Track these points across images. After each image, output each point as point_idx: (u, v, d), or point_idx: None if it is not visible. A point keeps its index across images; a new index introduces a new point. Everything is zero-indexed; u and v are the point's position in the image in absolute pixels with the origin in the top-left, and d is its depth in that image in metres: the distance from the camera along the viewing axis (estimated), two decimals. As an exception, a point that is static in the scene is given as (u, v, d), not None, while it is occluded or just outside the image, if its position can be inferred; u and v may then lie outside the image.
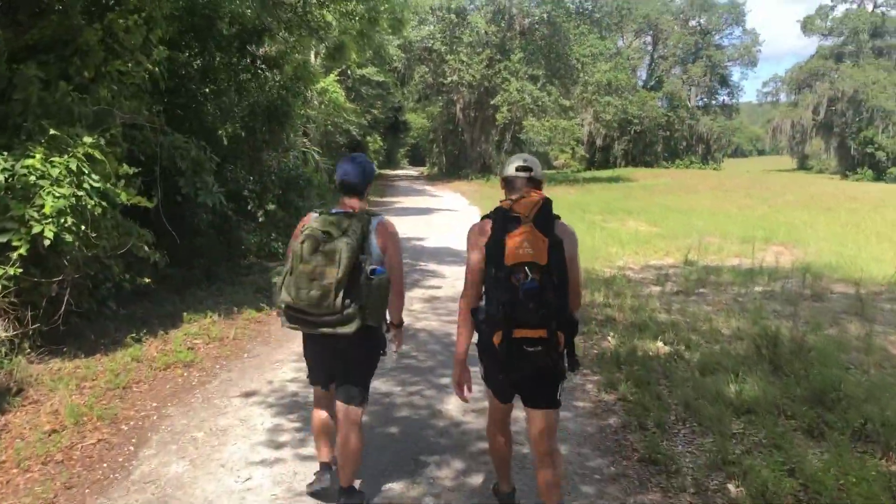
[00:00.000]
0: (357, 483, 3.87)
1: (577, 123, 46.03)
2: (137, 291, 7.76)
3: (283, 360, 6.51)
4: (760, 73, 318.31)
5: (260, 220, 11.34)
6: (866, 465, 4.15)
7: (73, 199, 5.65)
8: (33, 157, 5.62)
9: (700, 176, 45.22)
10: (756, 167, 73.26)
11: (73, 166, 5.74)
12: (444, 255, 12.98)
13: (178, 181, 7.79)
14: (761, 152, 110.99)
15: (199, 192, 7.92)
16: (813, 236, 16.57)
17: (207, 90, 10.25)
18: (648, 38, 65.75)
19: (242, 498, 3.91)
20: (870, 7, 64.22)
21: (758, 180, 41.49)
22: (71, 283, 6.19)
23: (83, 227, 5.78)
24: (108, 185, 6.10)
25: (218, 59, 10.27)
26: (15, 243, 5.48)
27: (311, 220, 3.49)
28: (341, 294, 3.30)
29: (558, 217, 3.29)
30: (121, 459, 4.37)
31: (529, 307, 3.02)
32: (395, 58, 34.03)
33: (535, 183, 3.41)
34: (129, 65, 7.03)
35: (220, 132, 10.06)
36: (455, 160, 48.00)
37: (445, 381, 5.87)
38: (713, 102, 65.77)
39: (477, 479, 4.15)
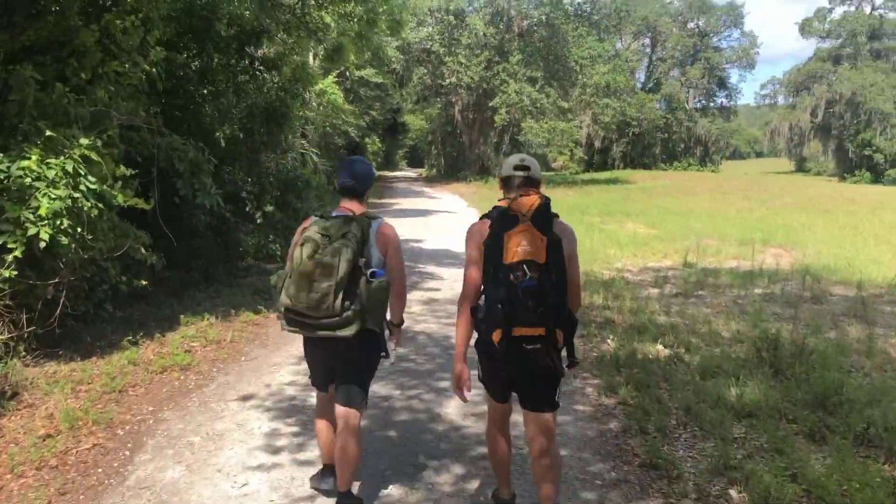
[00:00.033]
0: (356, 487, 3.84)
1: (575, 125, 46.05)
2: (134, 294, 7.71)
3: (281, 364, 6.47)
4: (758, 76, 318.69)
5: (258, 221, 11.28)
6: (869, 470, 4.11)
7: (69, 201, 5.61)
8: (29, 158, 5.58)
9: (698, 178, 45.22)
10: (754, 169, 73.35)
11: (70, 168, 5.70)
12: (442, 257, 12.95)
13: (176, 183, 7.74)
14: (759, 154, 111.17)
15: (197, 194, 7.87)
16: (811, 238, 16.56)
17: (205, 91, 10.21)
18: (647, 41, 65.78)
19: (239, 504, 3.87)
20: (868, 9, 64.35)
21: (756, 182, 41.49)
22: (67, 285, 6.14)
23: (79, 229, 5.75)
24: (105, 186, 6.06)
25: (216, 60, 10.23)
26: (10, 245, 5.43)
27: (311, 224, 3.48)
28: (340, 297, 3.29)
29: (556, 216, 3.29)
30: (116, 465, 4.32)
31: (528, 305, 3.04)
32: (393, 59, 33.98)
33: (534, 182, 3.42)
34: (127, 66, 6.99)
35: (217, 134, 10.01)
36: (453, 162, 47.97)
37: (444, 384, 5.83)
38: (711, 104, 65.83)
39: (476, 485, 4.11)
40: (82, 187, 5.77)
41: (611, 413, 5.25)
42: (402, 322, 3.77)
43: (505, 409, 3.56)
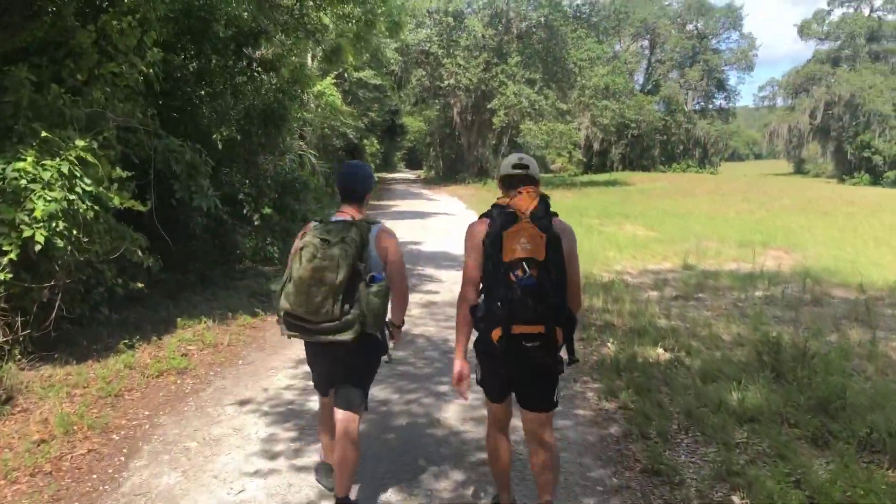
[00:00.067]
0: (354, 491, 3.82)
1: (574, 127, 46.02)
2: (130, 296, 7.65)
3: (279, 367, 6.41)
4: (757, 78, 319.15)
5: (256, 223, 11.24)
6: (873, 476, 4.05)
7: (64, 203, 5.56)
8: (24, 160, 5.53)
9: (697, 180, 45.23)
10: (753, 171, 73.37)
11: (65, 170, 5.65)
12: (440, 260, 12.90)
13: (173, 185, 7.69)
14: (758, 156, 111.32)
15: (194, 196, 7.82)
16: (811, 240, 16.54)
17: (203, 93, 10.15)
18: (646, 42, 65.83)
19: (236, 510, 3.82)
20: (867, 11, 64.41)
21: (755, 184, 41.48)
22: (62, 288, 6.09)
23: (75, 232, 5.70)
24: (101, 188, 6.01)
25: (214, 61, 10.17)
26: (5, 248, 5.38)
27: (311, 229, 3.47)
28: (339, 301, 3.29)
29: (556, 214, 3.29)
30: (111, 471, 4.26)
31: (528, 303, 3.04)
32: (392, 61, 33.96)
33: (532, 180, 3.42)
34: (123, 67, 6.93)
35: (215, 135, 9.96)
36: (452, 164, 47.95)
37: (444, 388, 5.78)
38: (710, 106, 65.90)
39: (476, 491, 4.05)
40: (78, 189, 5.72)
41: (611, 418, 5.20)
42: (402, 323, 3.77)
43: (504, 409, 3.53)
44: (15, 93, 5.93)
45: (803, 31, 67.02)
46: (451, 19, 39.09)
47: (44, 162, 5.60)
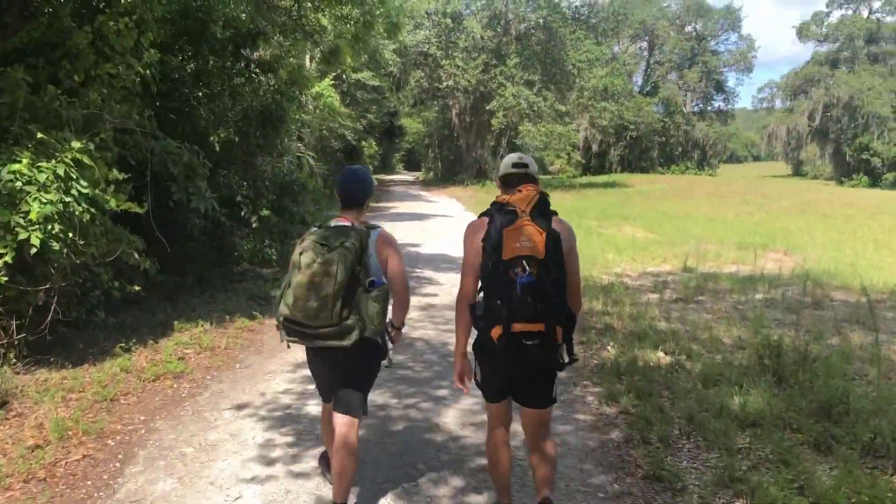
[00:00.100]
0: (353, 497, 3.79)
1: (572, 129, 46.07)
2: (127, 299, 7.60)
3: (276, 371, 6.36)
4: (756, 79, 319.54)
5: (254, 225, 11.19)
6: (878, 482, 4.01)
7: (60, 206, 5.51)
8: (20, 161, 5.47)
9: (696, 182, 45.23)
10: (751, 173, 73.40)
11: (61, 172, 5.59)
12: (439, 262, 12.85)
13: (170, 186, 7.65)
14: (756, 158, 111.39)
15: (192, 198, 7.77)
16: (810, 243, 16.51)
17: (200, 94, 10.11)
18: (644, 44, 65.89)
19: (232, 518, 3.77)
20: (865, 13, 64.49)
21: (753, 186, 41.48)
22: (58, 291, 6.04)
23: (71, 234, 5.64)
24: (97, 190, 5.95)
25: (211, 62, 10.13)
26: (0, 251, 5.32)
27: (310, 234, 3.46)
28: (338, 306, 3.27)
29: (555, 213, 3.28)
30: (106, 477, 4.21)
31: (527, 301, 3.03)
32: (390, 62, 33.98)
33: (532, 179, 3.42)
34: (120, 68, 6.87)
35: (212, 137, 9.90)
36: (451, 165, 47.95)
37: (443, 392, 5.73)
38: (709, 108, 65.99)
39: (476, 498, 4.00)
40: (74, 191, 5.66)
41: (612, 422, 5.14)
42: (402, 325, 3.77)
43: (504, 411, 3.50)
44: (11, 94, 5.88)
45: (802, 32, 67.11)
46: (449, 20, 39.09)
47: (39, 164, 5.54)
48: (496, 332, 3.10)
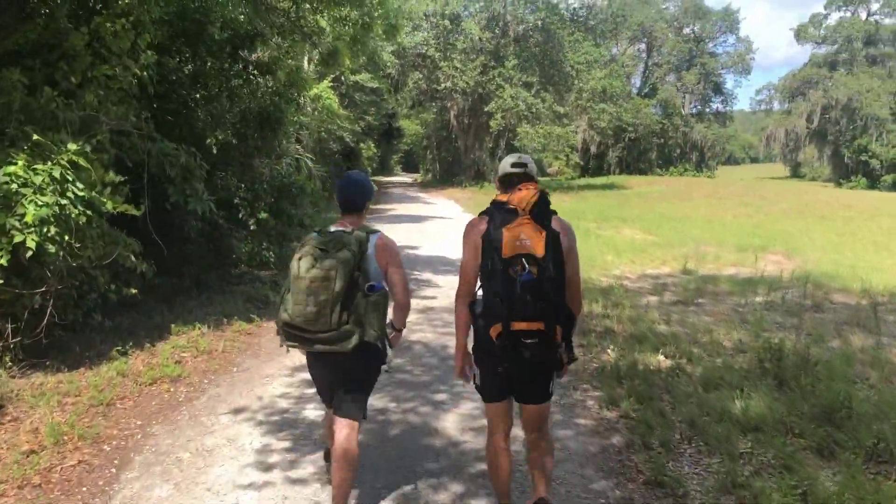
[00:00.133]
0: (352, 502, 3.77)
1: (571, 130, 46.01)
2: (124, 302, 7.56)
3: (274, 375, 6.31)
4: (754, 81, 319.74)
5: (251, 228, 11.13)
6: (881, 487, 3.98)
7: (56, 208, 5.45)
8: (15, 164, 5.42)
9: (694, 183, 45.21)
10: (749, 175, 73.40)
11: (57, 174, 5.54)
12: (438, 264, 12.81)
13: (168, 189, 7.59)
14: (754, 160, 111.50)
15: (189, 200, 7.71)
16: (810, 245, 16.50)
17: (198, 96, 10.05)
18: (643, 46, 65.87)
19: (229, 524, 3.72)
20: (863, 15, 64.51)
21: (751, 188, 41.47)
22: (54, 294, 5.99)
23: (67, 237, 5.59)
24: (94, 193, 5.90)
25: (209, 64, 10.07)
26: (-5, 254, 5.27)
27: (309, 239, 3.46)
28: (337, 310, 3.28)
29: (555, 212, 3.28)
30: (101, 483, 4.16)
31: (527, 299, 3.03)
32: (388, 64, 33.90)
33: (531, 179, 3.41)
34: (117, 70, 6.82)
35: (210, 139, 9.85)
36: (449, 167, 47.89)
37: (442, 396, 5.69)
38: (707, 110, 65.93)
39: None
40: (70, 194, 5.61)
41: (613, 427, 5.10)
42: (403, 327, 3.77)
43: (504, 412, 3.48)
44: (7, 95, 5.83)
45: (800, 34, 67.13)
46: (447, 22, 39.04)
47: (35, 166, 5.49)
48: (495, 330, 3.09)
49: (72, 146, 5.77)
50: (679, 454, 4.62)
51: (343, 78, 26.31)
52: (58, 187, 5.54)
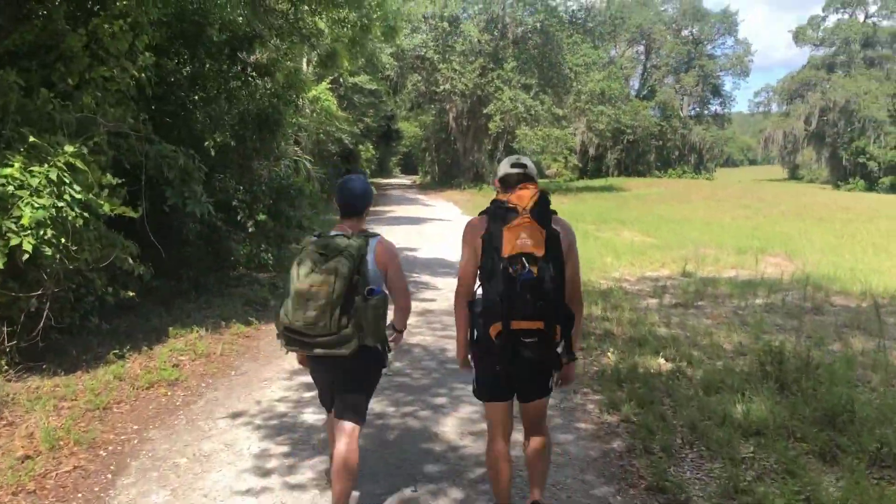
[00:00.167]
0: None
1: (569, 132, 45.99)
2: (121, 305, 7.50)
3: (272, 378, 6.27)
4: (752, 83, 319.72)
5: (250, 230, 11.08)
6: (885, 493, 3.94)
7: (52, 211, 5.41)
8: (11, 166, 5.38)
9: (693, 185, 45.27)
10: (747, 177, 73.49)
11: (54, 176, 5.49)
12: (436, 267, 12.77)
13: (165, 191, 7.55)
14: (752, 162, 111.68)
15: (187, 202, 7.67)
16: (809, 247, 16.47)
17: (196, 98, 10.01)
18: (641, 48, 65.95)
19: (226, 531, 3.68)
20: (861, 17, 64.60)
21: (750, 190, 41.52)
22: (51, 297, 5.95)
23: (63, 240, 5.54)
24: (91, 195, 5.85)
25: (208, 66, 10.04)
26: (-9, 256, 5.23)
27: (309, 243, 3.45)
28: (336, 314, 3.27)
29: (555, 212, 3.27)
30: (97, 489, 4.11)
31: (527, 298, 3.02)
32: (387, 66, 33.87)
33: (530, 179, 3.40)
34: (115, 71, 6.79)
35: (208, 142, 9.80)
36: (447, 169, 47.90)
37: (441, 400, 5.65)
38: (705, 112, 66.05)
39: (476, 510, 3.92)
40: (67, 196, 5.57)
41: (614, 431, 5.06)
42: (404, 328, 3.78)
43: (504, 413, 3.45)
44: (3, 97, 5.78)
45: (798, 36, 67.24)
46: (446, 24, 39.03)
47: (32, 168, 5.45)
48: (495, 329, 3.08)
49: (69, 148, 5.73)
50: (680, 459, 4.58)
51: (342, 80, 26.29)
52: (54, 189, 5.50)
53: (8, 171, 5.32)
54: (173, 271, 9.04)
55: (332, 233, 3.52)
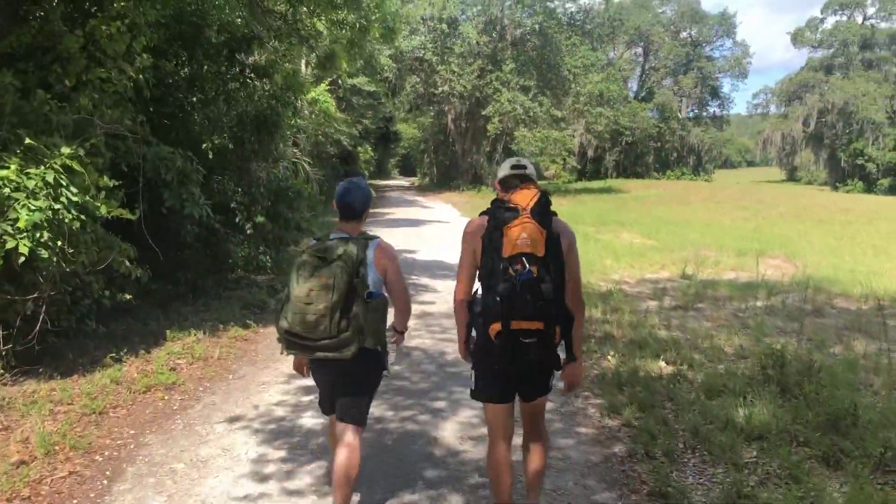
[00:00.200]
0: None
1: (568, 134, 46.00)
2: (118, 308, 7.45)
3: (270, 382, 6.22)
4: (750, 85, 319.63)
5: (248, 232, 11.03)
6: (889, 498, 3.90)
7: (49, 213, 5.37)
8: (8, 168, 5.34)
9: (691, 187, 45.27)
10: (746, 178, 73.54)
11: (50, 178, 5.45)
12: (435, 269, 12.73)
13: (163, 193, 7.51)
14: (750, 163, 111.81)
15: (185, 204, 7.63)
16: (808, 249, 16.45)
17: (195, 99, 9.97)
18: (640, 50, 66.03)
19: (224, 538, 3.63)
20: (859, 19, 64.66)
21: (748, 191, 41.52)
22: (47, 300, 5.90)
23: (60, 242, 5.50)
24: (88, 197, 5.81)
25: (206, 67, 9.99)
26: (-13, 259, 5.18)
27: (309, 247, 3.43)
28: (336, 318, 3.27)
29: (555, 214, 3.26)
30: (93, 495, 4.06)
31: (526, 299, 3.01)
32: (386, 68, 33.83)
33: (530, 181, 3.40)
34: (112, 73, 6.75)
35: (206, 144, 9.76)
36: (446, 171, 47.86)
37: (441, 404, 5.61)
38: (704, 114, 66.09)
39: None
40: (63, 198, 5.52)
41: (615, 436, 5.02)
42: (405, 329, 3.79)
43: (505, 417, 3.41)
44: (-1, 98, 5.75)
45: (796, 38, 67.30)
46: (445, 26, 39.00)
47: (28, 170, 5.41)
48: (494, 329, 3.07)
49: (65, 150, 5.68)
50: (683, 464, 4.54)
51: (340, 81, 26.25)
52: (51, 192, 5.45)
53: (4, 173, 5.28)
54: (171, 274, 8.99)
55: (332, 235, 3.50)
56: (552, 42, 39.71)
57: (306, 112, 20.46)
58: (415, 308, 9.14)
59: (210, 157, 9.62)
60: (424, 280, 11.57)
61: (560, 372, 3.40)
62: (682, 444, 4.82)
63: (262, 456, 4.61)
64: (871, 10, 64.19)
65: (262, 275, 11.10)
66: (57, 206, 5.44)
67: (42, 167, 5.49)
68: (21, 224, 5.20)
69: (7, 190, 5.27)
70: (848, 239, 19.05)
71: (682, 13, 64.44)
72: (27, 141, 5.54)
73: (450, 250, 13.98)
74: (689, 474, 4.39)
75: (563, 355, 3.35)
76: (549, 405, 3.60)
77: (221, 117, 10.31)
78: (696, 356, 6.86)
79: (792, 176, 73.41)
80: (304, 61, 18.08)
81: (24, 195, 5.31)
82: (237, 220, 10.62)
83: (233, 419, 5.30)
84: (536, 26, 39.49)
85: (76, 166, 5.72)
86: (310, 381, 3.87)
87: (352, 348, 3.30)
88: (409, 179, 66.54)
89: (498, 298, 3.04)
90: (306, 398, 5.63)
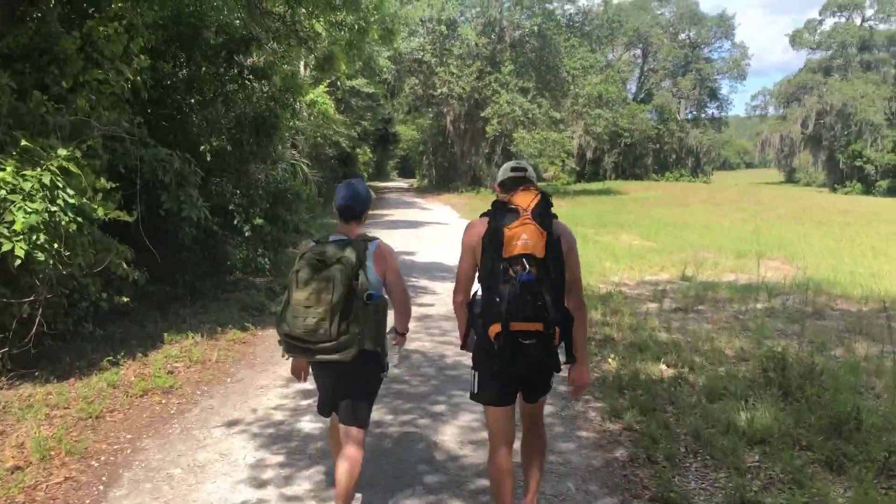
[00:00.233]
0: None
1: (567, 136, 46.02)
2: (116, 310, 7.40)
3: (268, 386, 6.17)
4: (749, 87, 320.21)
5: (246, 234, 10.98)
6: (894, 503, 3.86)
7: (45, 215, 5.32)
8: (4, 169, 5.29)
9: (690, 189, 45.25)
10: (744, 180, 73.59)
11: (47, 180, 5.40)
12: (434, 271, 12.69)
13: (161, 195, 7.46)
14: (749, 165, 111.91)
15: (183, 206, 7.59)
16: (808, 251, 16.42)
17: (193, 101, 9.93)
18: (638, 51, 66.06)
19: (221, 544, 3.58)
20: (858, 21, 64.75)
21: (747, 193, 41.51)
22: (44, 302, 5.86)
23: (56, 245, 5.45)
24: (85, 199, 5.76)
25: (204, 69, 9.96)
26: (-17, 262, 5.14)
27: (308, 250, 3.42)
28: (336, 320, 3.25)
29: (555, 216, 3.25)
30: (88, 501, 4.00)
31: (526, 300, 3.00)
32: (384, 69, 33.81)
33: (530, 183, 3.39)
34: (109, 74, 6.71)
35: (204, 146, 9.72)
36: (445, 172, 47.85)
37: (440, 408, 5.56)
38: (702, 115, 66.13)
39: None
40: (60, 201, 5.47)
41: (616, 440, 4.97)
42: (406, 331, 3.76)
43: (506, 419, 3.39)
44: (-5, 99, 5.70)
45: (795, 40, 67.42)
46: (444, 28, 38.99)
47: (24, 172, 5.36)
48: (494, 329, 3.05)
49: (62, 152, 5.64)
50: (685, 468, 4.49)
51: (339, 83, 26.22)
52: (48, 194, 5.41)
53: (0, 175, 5.23)
54: (169, 276, 8.95)
55: (331, 237, 3.48)
56: (551, 44, 39.73)
57: (305, 114, 20.42)
58: (414, 310, 9.07)
59: (208, 158, 9.57)
60: (423, 282, 11.53)
61: (565, 375, 3.38)
62: (684, 448, 4.78)
63: (261, 461, 4.56)
64: (869, 12, 64.38)
65: (260, 277, 11.05)
66: (53, 209, 5.40)
67: (38, 169, 5.44)
68: (17, 226, 5.15)
69: (3, 192, 5.22)
70: (847, 240, 19.03)
71: (681, 15, 64.50)
72: (23, 143, 5.50)
73: (449, 252, 13.94)
74: (692, 479, 4.35)
75: (562, 357, 3.32)
76: (549, 409, 3.58)
77: (220, 119, 10.28)
78: (696, 359, 6.83)
79: (790, 177, 73.49)
80: (302, 63, 18.06)
81: (21, 197, 5.26)
82: (235, 221, 10.57)
83: (231, 423, 5.25)
84: (535, 28, 39.51)
85: (73, 168, 5.67)
86: (308, 385, 3.84)
87: (352, 350, 3.28)
88: (407, 181, 66.55)
89: (498, 299, 3.04)
90: (305, 402, 5.58)
